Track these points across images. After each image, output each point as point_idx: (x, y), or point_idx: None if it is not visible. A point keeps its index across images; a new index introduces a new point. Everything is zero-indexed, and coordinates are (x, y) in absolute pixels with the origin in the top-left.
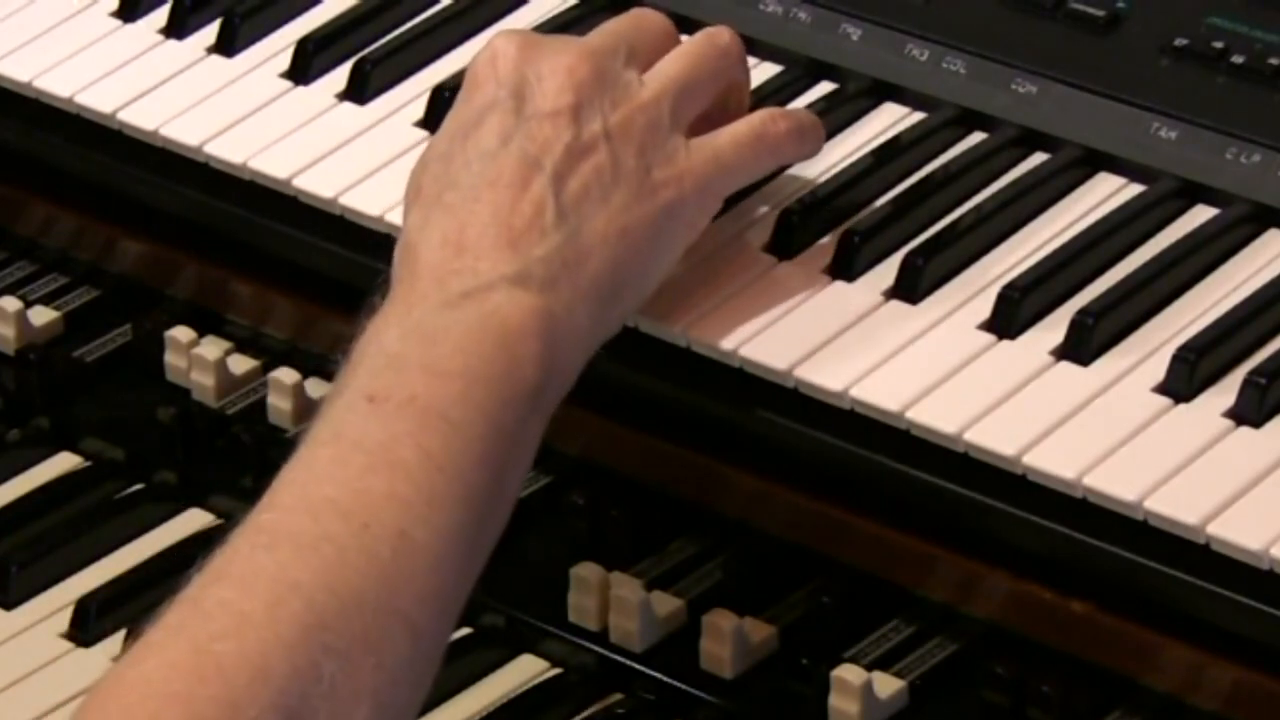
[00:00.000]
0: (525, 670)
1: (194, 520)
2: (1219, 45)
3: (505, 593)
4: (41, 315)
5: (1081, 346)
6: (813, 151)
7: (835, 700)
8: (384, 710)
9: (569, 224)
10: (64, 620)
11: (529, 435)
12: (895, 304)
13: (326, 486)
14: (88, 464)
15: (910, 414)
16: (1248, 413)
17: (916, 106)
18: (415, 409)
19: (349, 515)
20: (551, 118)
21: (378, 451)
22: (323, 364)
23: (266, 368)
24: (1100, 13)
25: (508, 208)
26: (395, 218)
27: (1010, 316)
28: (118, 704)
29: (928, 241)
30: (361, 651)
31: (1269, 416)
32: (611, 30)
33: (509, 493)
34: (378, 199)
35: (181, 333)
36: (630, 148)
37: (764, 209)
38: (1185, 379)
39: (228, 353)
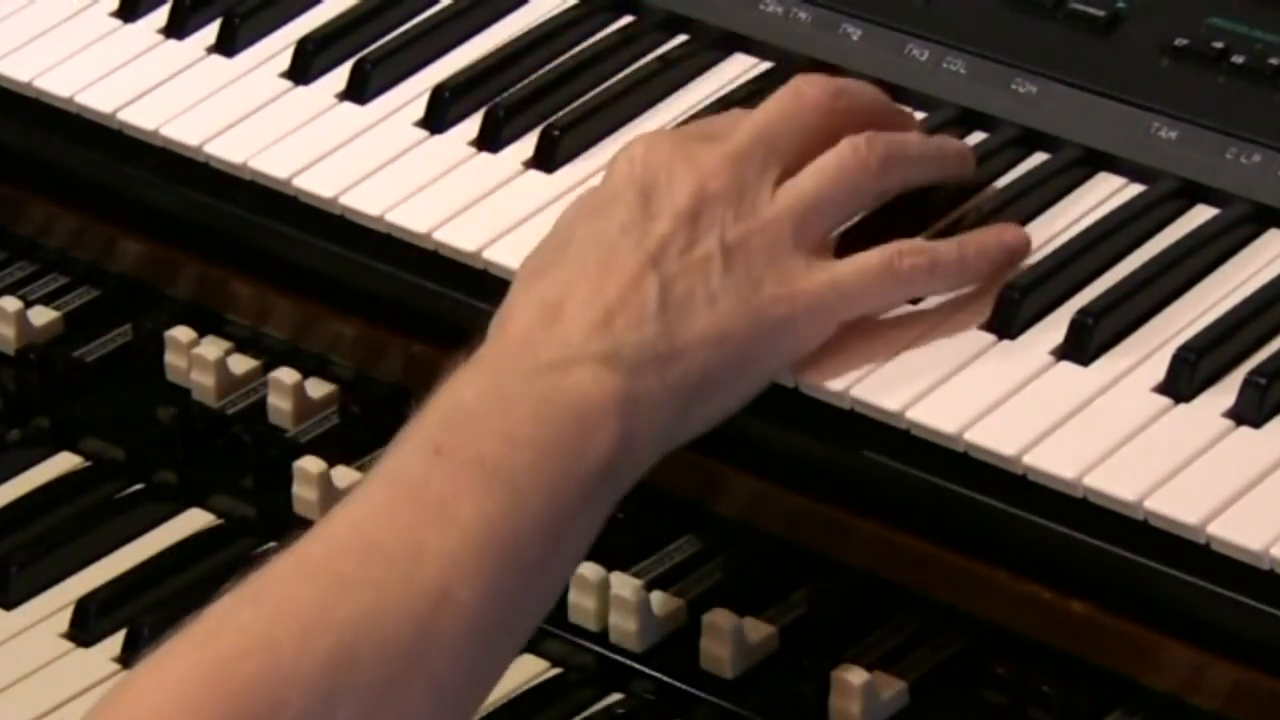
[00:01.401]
0: (525, 670)
1: (194, 520)
2: (1219, 45)
3: None
4: (41, 315)
5: (1081, 346)
6: (952, 286)
7: (835, 700)
8: None
9: (668, 318)
10: (64, 620)
11: (592, 516)
12: None
13: (379, 531)
14: (88, 464)
15: (911, 414)
16: (1248, 413)
17: (916, 106)
18: (482, 469)
19: (395, 563)
20: (673, 218)
21: (435, 505)
22: (323, 364)
23: (266, 368)
24: (1100, 13)
25: (611, 291)
26: (395, 218)
27: (1010, 316)
28: (131, 708)
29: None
30: (381, 700)
31: (1269, 416)
32: (759, 125)
33: (562, 571)
34: (378, 199)
35: (181, 333)
36: (744, 260)
37: None
38: (1185, 379)
39: (228, 353)
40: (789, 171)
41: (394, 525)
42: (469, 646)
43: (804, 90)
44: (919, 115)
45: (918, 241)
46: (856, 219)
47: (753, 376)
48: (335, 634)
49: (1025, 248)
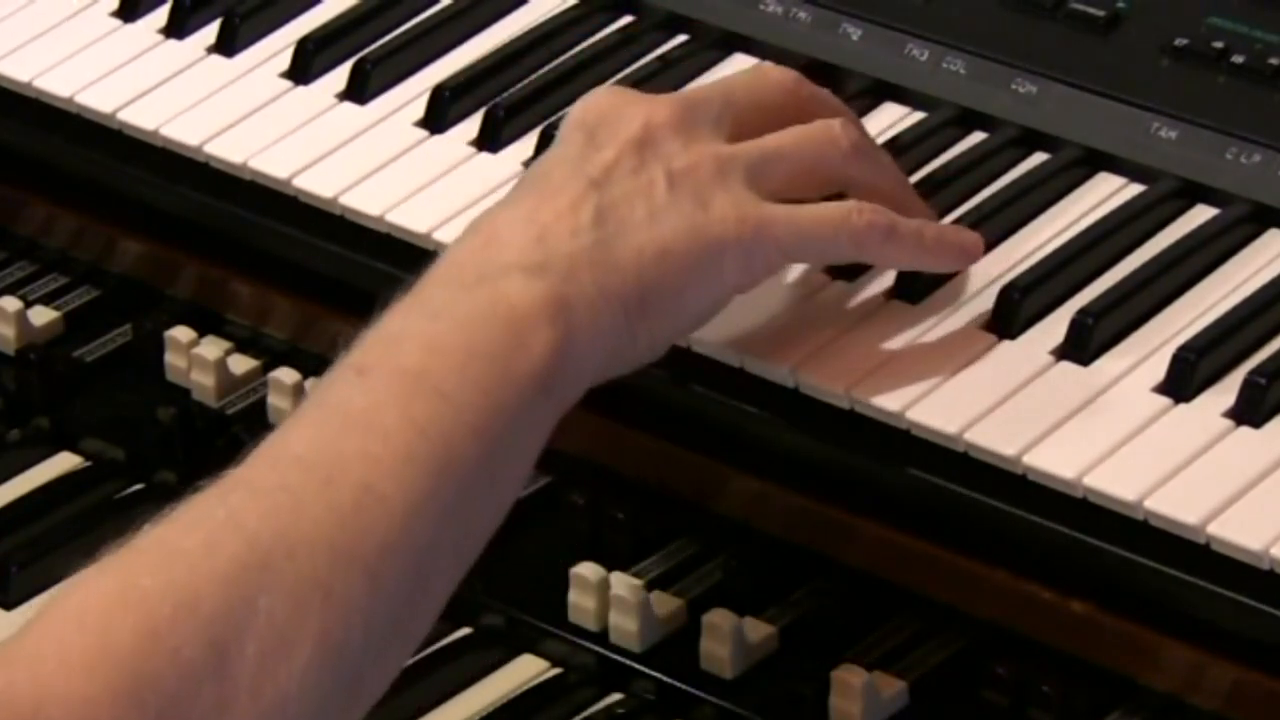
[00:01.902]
0: (525, 670)
1: None
2: (1219, 45)
3: (505, 593)
4: (41, 315)
5: (1081, 346)
6: (902, 262)
7: (835, 700)
8: (334, 654)
9: (605, 229)
10: None
11: (534, 420)
12: (896, 304)
13: (297, 446)
14: (88, 464)
15: (910, 414)
16: (1248, 413)
17: (916, 106)
18: (405, 379)
19: (312, 468)
20: (619, 146)
21: (357, 415)
22: (323, 364)
23: (266, 368)
24: (1100, 13)
25: (548, 212)
26: (395, 218)
27: (1010, 316)
28: (38, 630)
29: None
30: (308, 591)
31: (1269, 416)
32: (717, 86)
33: (507, 474)
34: (378, 199)
35: (181, 333)
36: (690, 184)
37: None
38: (1185, 379)
39: (228, 353)
40: (740, 136)
41: (314, 438)
42: (401, 539)
43: (768, 70)
44: (919, 115)
45: (879, 205)
46: None
47: (695, 297)
48: (247, 537)
49: (978, 255)
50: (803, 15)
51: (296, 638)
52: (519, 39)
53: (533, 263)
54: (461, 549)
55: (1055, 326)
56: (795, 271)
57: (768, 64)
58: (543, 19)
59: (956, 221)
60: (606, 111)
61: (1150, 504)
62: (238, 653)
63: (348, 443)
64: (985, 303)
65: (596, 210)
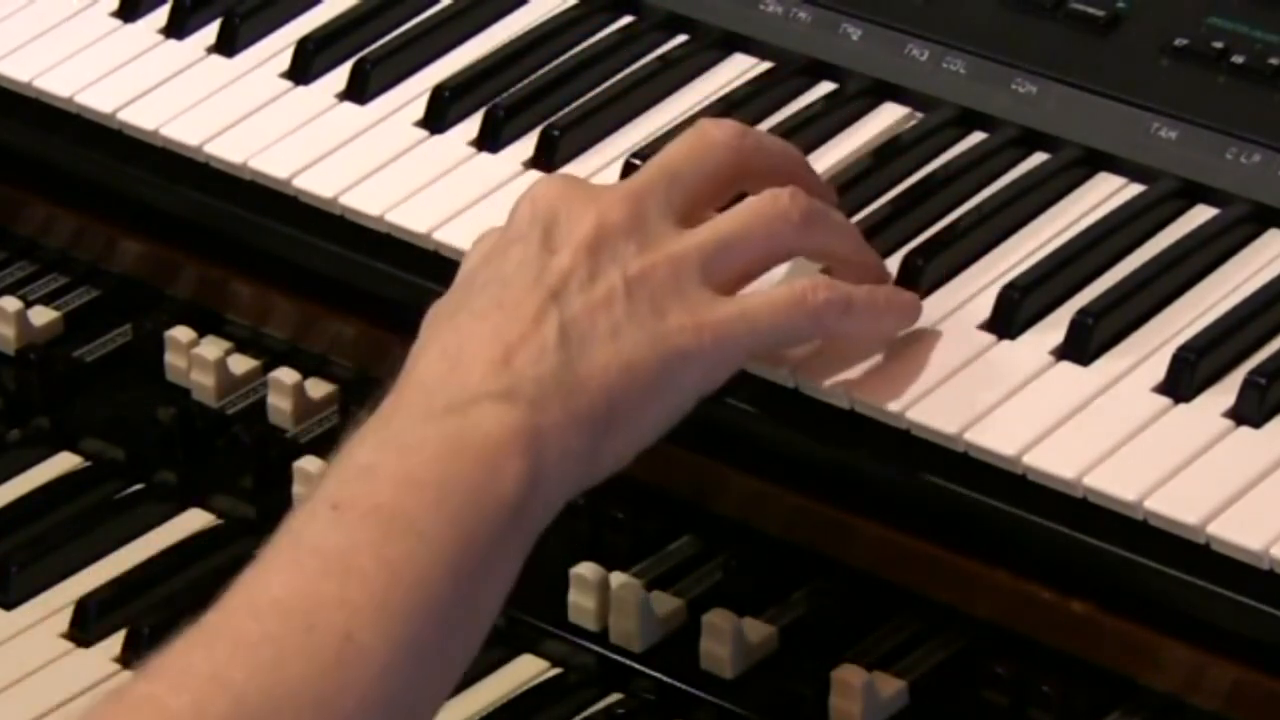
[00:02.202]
0: (525, 670)
1: (194, 520)
2: (1219, 45)
3: None
4: (41, 315)
5: (1081, 346)
6: (860, 330)
7: (835, 700)
8: None
9: (569, 351)
10: (64, 620)
11: (507, 555)
12: None
13: (276, 589)
14: (88, 464)
15: (911, 414)
16: (1248, 413)
17: (916, 106)
18: (380, 517)
19: (293, 616)
20: (573, 252)
21: (334, 557)
22: (323, 364)
23: (266, 368)
24: (1100, 13)
25: (511, 330)
26: (395, 218)
27: (1010, 316)
28: None
29: (928, 242)
30: None
31: (1269, 416)
32: (662, 163)
33: (482, 609)
34: (378, 199)
35: (181, 333)
36: (647, 292)
37: None
38: (1185, 379)
39: (228, 353)
40: (694, 213)
41: (291, 582)
42: (381, 692)
43: (709, 130)
44: (919, 115)
45: (831, 279)
46: (855, 221)
47: (660, 409)
48: (235, 693)
49: (915, 316)
50: (803, 15)
51: None
52: (519, 39)
53: (501, 389)
54: (438, 686)
55: (1055, 326)
56: (795, 271)
57: (707, 123)
58: (543, 19)
59: (956, 221)
60: (559, 208)
61: (1150, 504)
62: None
63: (326, 586)
64: (985, 303)
65: (560, 329)
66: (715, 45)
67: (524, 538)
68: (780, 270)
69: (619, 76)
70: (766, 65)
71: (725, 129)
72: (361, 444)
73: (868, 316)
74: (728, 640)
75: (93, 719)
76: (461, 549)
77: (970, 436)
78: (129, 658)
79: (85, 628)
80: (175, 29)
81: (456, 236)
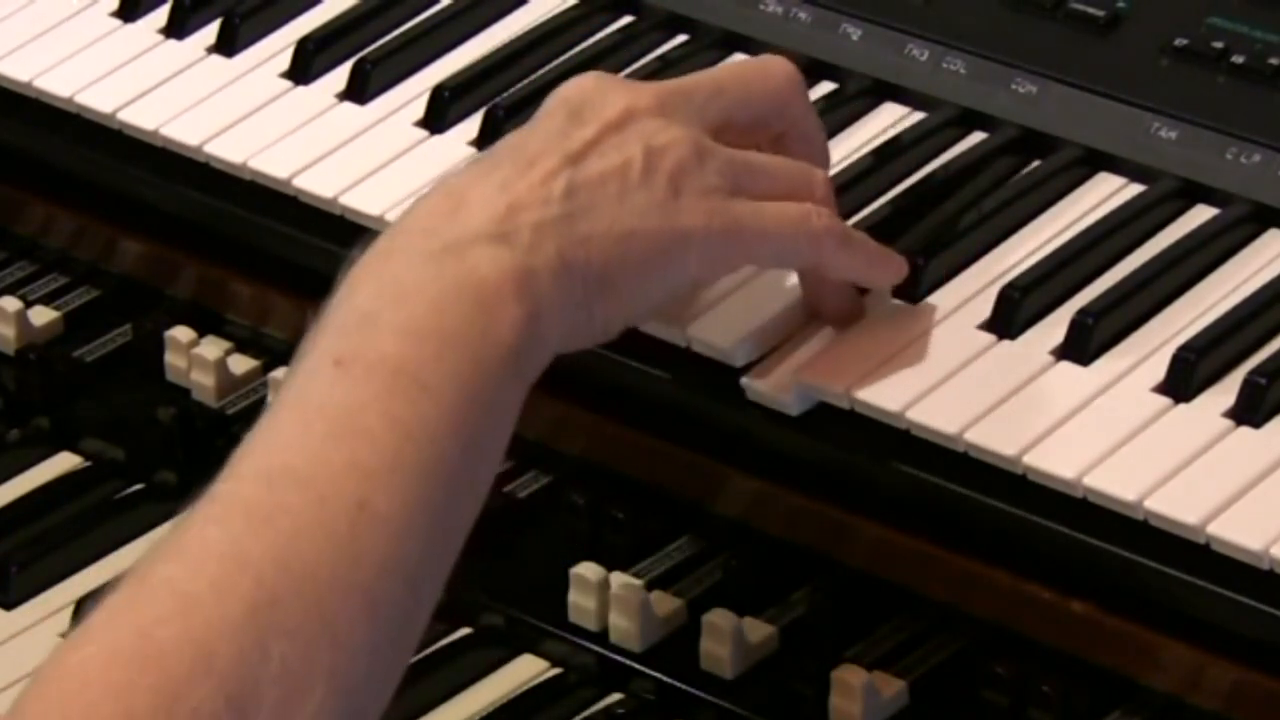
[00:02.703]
0: (525, 670)
1: None
2: (1219, 45)
3: (505, 593)
4: (41, 315)
5: (1081, 346)
6: (852, 271)
7: (835, 700)
8: (343, 692)
9: (574, 203)
10: (64, 620)
11: (506, 402)
12: (896, 304)
13: (285, 454)
14: (88, 464)
15: (910, 414)
16: (1248, 413)
17: (916, 106)
18: (385, 371)
19: (306, 485)
20: (599, 125)
21: (342, 418)
22: None
23: (266, 368)
24: (1100, 13)
25: (521, 183)
26: (395, 218)
27: (1010, 316)
28: (56, 690)
29: (927, 242)
30: (316, 629)
31: (1269, 416)
32: (712, 75)
33: (485, 463)
34: (378, 199)
35: (181, 333)
36: (666, 167)
37: None
38: (1185, 379)
39: (228, 353)
40: (727, 134)
41: (301, 446)
42: (396, 555)
43: (771, 65)
44: (919, 115)
45: (830, 213)
46: (855, 221)
47: (654, 283)
48: (254, 572)
49: (901, 275)
50: (803, 15)
51: (309, 684)
52: (519, 39)
53: (498, 232)
54: (448, 550)
55: (1055, 326)
56: (793, 275)
57: (772, 59)
58: (543, 19)
59: (956, 221)
60: (591, 93)
61: (1150, 504)
62: (255, 708)
63: (337, 451)
64: (985, 303)
65: (569, 184)
66: (715, 45)
67: (522, 384)
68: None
69: (619, 77)
70: None
71: (787, 70)
72: (362, 285)
73: (861, 257)
74: (728, 640)
75: (117, 602)
76: (465, 400)
77: (970, 436)
78: None
79: None
80: (175, 29)
81: None
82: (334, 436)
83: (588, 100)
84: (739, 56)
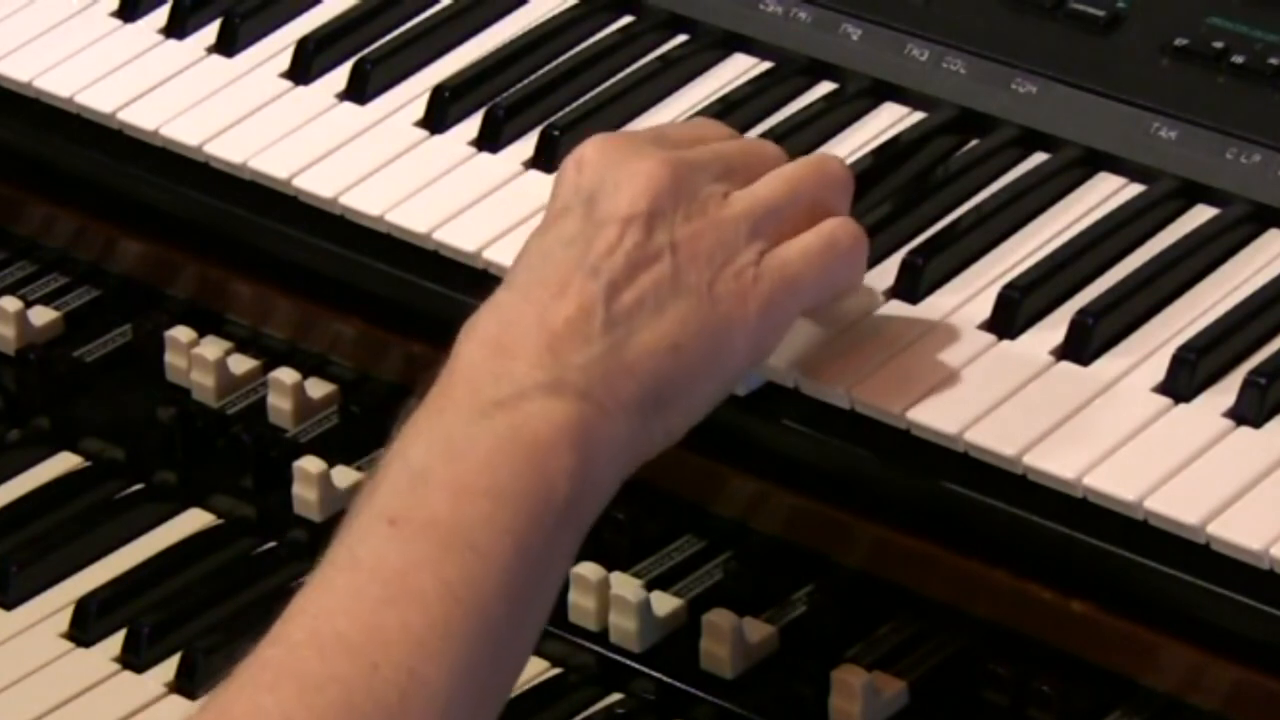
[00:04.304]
0: (525, 670)
1: (194, 520)
2: (1219, 45)
3: None
4: (41, 315)
5: (1081, 346)
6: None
7: (835, 700)
8: None
9: (616, 333)
10: (64, 620)
11: (558, 555)
12: (896, 303)
13: (338, 619)
14: (88, 464)
15: (911, 414)
16: (1248, 413)
17: (916, 106)
18: (437, 533)
19: (358, 653)
20: (618, 224)
21: (394, 581)
22: (323, 364)
23: (266, 368)
24: (1100, 13)
25: (554, 311)
26: (395, 218)
27: (1010, 316)
28: None
29: (927, 242)
30: None
31: (1269, 416)
32: (714, 147)
33: (533, 620)
34: (378, 199)
35: (181, 333)
36: (696, 263)
37: None
38: (1185, 379)
39: (228, 353)
40: (739, 186)
41: (354, 610)
42: None
43: (763, 144)
44: (919, 115)
45: (849, 219)
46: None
47: (712, 382)
48: None
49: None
50: (803, 15)
51: None
52: (519, 39)
53: (549, 380)
54: (494, 704)
55: (1055, 326)
56: None
57: (767, 143)
58: (543, 19)
59: (956, 221)
60: (604, 174)
61: (1150, 504)
62: None
63: (388, 616)
64: (985, 303)
65: (606, 311)
66: (715, 45)
67: (576, 534)
68: None
69: (619, 76)
70: (766, 65)
71: (778, 150)
72: (414, 442)
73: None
74: (728, 640)
75: None
76: (516, 562)
77: (970, 436)
78: (129, 658)
79: (85, 628)
80: (175, 29)
81: (456, 236)
82: (386, 601)
83: (601, 187)
84: (739, 57)
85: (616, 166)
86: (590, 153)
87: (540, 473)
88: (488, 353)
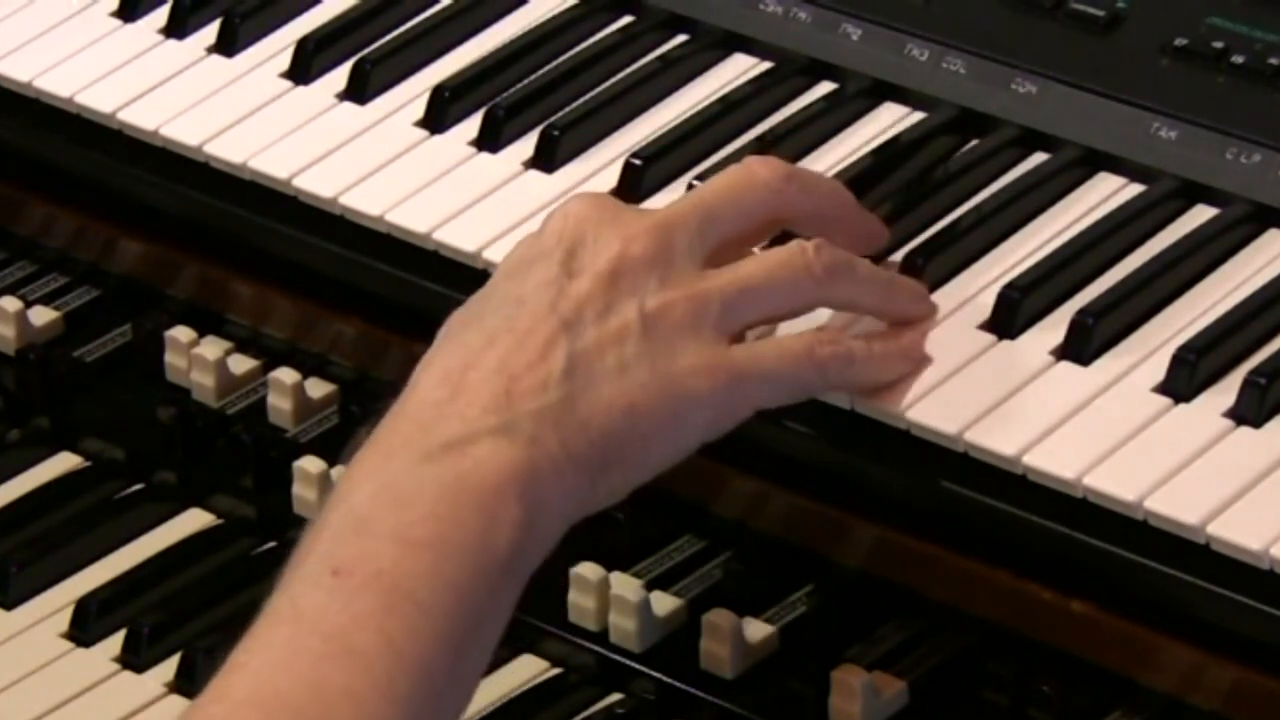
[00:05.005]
0: (525, 670)
1: (194, 520)
2: (1219, 45)
3: None
4: (41, 315)
5: (1081, 346)
6: (866, 379)
7: (835, 700)
8: None
9: (573, 385)
10: (64, 620)
11: (499, 607)
12: None
13: (279, 674)
14: (88, 464)
15: (910, 414)
16: (1248, 413)
17: (916, 106)
18: (380, 585)
19: (299, 713)
20: (592, 279)
21: (336, 636)
22: (323, 364)
23: (266, 368)
24: (1100, 13)
25: (516, 359)
26: (395, 218)
27: (1010, 316)
28: None
29: (928, 242)
30: None
31: (1269, 416)
32: (701, 197)
33: (472, 670)
34: (378, 199)
35: (181, 333)
36: (661, 330)
37: None
38: (1185, 379)
39: (228, 353)
40: (724, 253)
41: (295, 667)
42: None
43: (755, 169)
44: (919, 115)
45: (833, 333)
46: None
47: (662, 450)
48: None
49: (917, 358)
50: (803, 15)
51: None
52: (519, 39)
53: (500, 424)
54: None
55: (1055, 326)
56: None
57: (754, 161)
58: (543, 19)
59: (956, 221)
60: (587, 230)
61: (1150, 504)
62: None
63: (330, 673)
64: (985, 303)
65: (568, 360)
66: (715, 45)
67: (517, 584)
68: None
69: (619, 76)
70: (766, 65)
71: (771, 170)
72: (360, 485)
73: (871, 370)
74: (728, 640)
75: None
76: (460, 613)
77: (970, 436)
78: (129, 658)
79: (85, 628)
80: (175, 29)
81: (456, 236)
82: (328, 657)
83: (582, 241)
84: (739, 57)
85: (599, 223)
86: (579, 206)
87: (485, 522)
88: (442, 393)
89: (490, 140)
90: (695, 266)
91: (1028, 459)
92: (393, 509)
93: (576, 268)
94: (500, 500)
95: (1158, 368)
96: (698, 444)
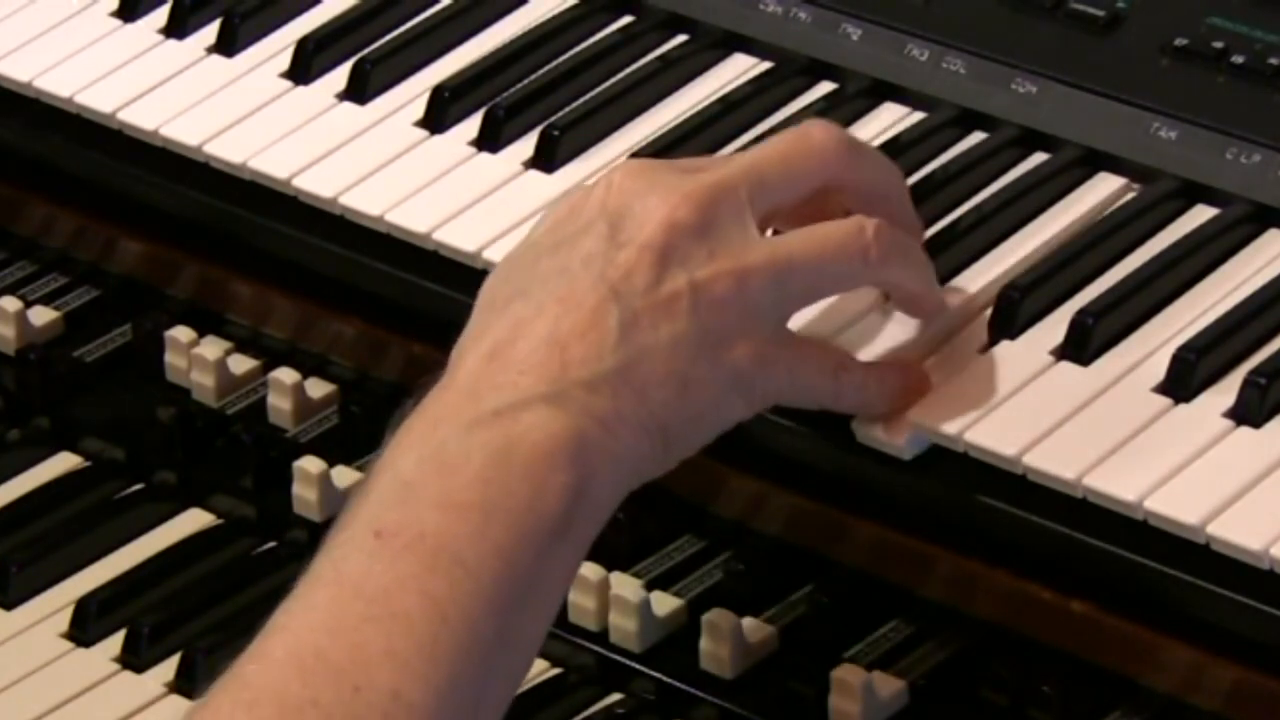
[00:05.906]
0: None
1: (194, 520)
2: (1219, 45)
3: None
4: (41, 315)
5: (1081, 346)
6: (870, 406)
7: (835, 700)
8: None
9: (628, 354)
10: (64, 620)
11: (552, 573)
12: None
13: (320, 636)
14: (88, 464)
15: (910, 414)
16: (1248, 413)
17: (916, 106)
18: (424, 549)
19: (340, 674)
20: (640, 250)
21: (379, 599)
22: (323, 364)
23: (266, 368)
24: (1100, 13)
25: (567, 328)
26: (395, 218)
27: (1010, 316)
28: None
29: (927, 242)
30: None
31: (1269, 416)
32: (753, 161)
33: (526, 639)
34: (378, 199)
35: (181, 333)
36: (714, 309)
37: None
38: (1185, 379)
39: (228, 353)
40: (776, 217)
41: (336, 627)
42: None
43: (812, 133)
44: (918, 115)
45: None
46: None
47: (713, 422)
48: None
49: (926, 388)
50: (803, 15)
51: None
52: (519, 39)
53: (552, 392)
54: (489, 717)
55: (1055, 326)
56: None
57: (812, 125)
58: (543, 19)
59: (956, 222)
60: (632, 200)
61: (1150, 504)
62: None
63: (372, 635)
64: (985, 303)
65: (620, 328)
66: (715, 45)
67: (573, 551)
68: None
69: (619, 76)
70: (766, 65)
71: (829, 135)
72: (406, 452)
73: (875, 395)
74: (728, 640)
75: None
76: (505, 578)
77: (971, 437)
78: (129, 658)
79: (85, 628)
80: (175, 29)
81: (456, 236)
82: (371, 619)
83: (628, 210)
84: (739, 57)
85: (644, 191)
86: (622, 176)
87: (534, 487)
88: (492, 362)
89: (490, 140)
90: (743, 234)
91: (1028, 459)
92: (439, 475)
93: (623, 239)
94: (550, 466)
95: (1158, 368)
96: (740, 419)
